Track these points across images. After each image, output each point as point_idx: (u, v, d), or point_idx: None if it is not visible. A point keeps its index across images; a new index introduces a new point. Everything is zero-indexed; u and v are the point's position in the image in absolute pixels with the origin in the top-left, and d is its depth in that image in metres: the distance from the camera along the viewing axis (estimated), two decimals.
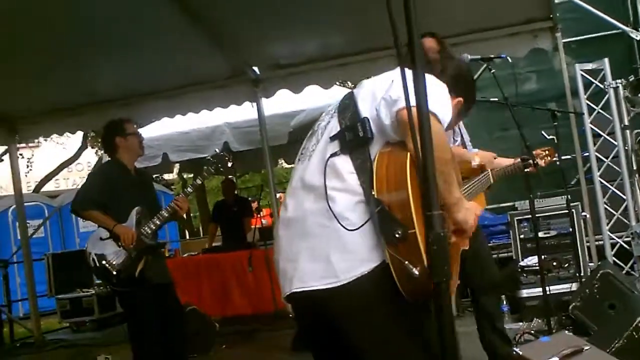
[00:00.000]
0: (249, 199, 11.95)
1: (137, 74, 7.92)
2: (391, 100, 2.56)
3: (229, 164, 5.60)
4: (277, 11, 6.78)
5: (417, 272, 2.47)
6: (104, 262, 5.12)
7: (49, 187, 22.38)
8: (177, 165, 12.64)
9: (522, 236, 7.25)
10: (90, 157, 22.72)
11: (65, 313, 10.62)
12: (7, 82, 7.80)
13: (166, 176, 20.84)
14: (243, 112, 8.94)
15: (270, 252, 8.35)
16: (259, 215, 9.48)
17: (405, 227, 2.51)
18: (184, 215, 8.37)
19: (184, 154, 9.71)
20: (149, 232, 5.24)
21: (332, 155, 2.68)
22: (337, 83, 9.25)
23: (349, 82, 10.56)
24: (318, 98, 8.74)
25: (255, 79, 8.13)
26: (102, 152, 21.16)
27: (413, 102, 2.39)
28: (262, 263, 8.43)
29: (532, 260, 6.84)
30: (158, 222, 5.30)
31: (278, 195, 9.21)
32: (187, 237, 18.43)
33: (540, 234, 6.89)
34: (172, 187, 24.20)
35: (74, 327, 10.74)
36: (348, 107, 2.75)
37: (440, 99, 2.64)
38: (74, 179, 21.82)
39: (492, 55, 5.13)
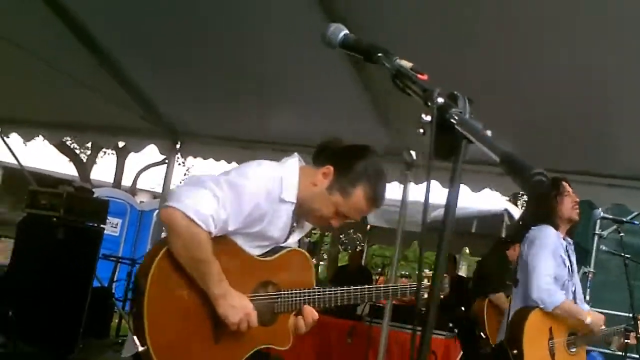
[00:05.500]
0: (373, 271, 12.11)
1: (303, 125, 8.24)
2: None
3: (358, 249, 5.74)
4: None
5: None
6: None
7: None
8: None
9: None
10: None
11: None
12: (190, 100, 8.35)
13: None
14: (388, 190, 9.05)
15: (374, 330, 8.45)
16: None
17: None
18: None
19: None
20: None
21: None
22: (490, 189, 9.26)
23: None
24: (465, 199, 8.82)
25: (410, 162, 8.24)
26: None
27: (171, 202, 2.72)
28: (364, 338, 8.52)
29: None
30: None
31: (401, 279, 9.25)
32: None
33: None
34: (314, 232, 24.73)
35: None
36: None
37: (191, 193, 2.80)
38: None
39: (625, 219, 5.18)
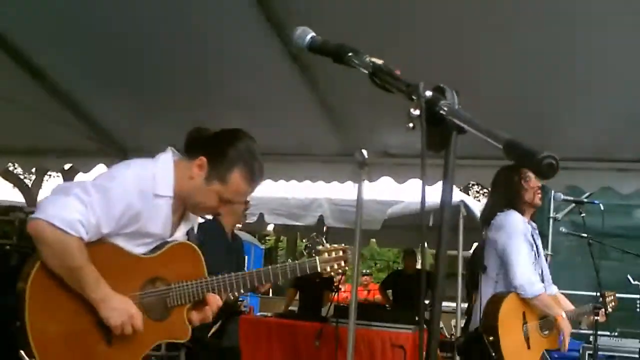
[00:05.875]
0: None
1: (253, 132, 8.16)
2: None
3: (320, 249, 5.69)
4: (397, 104, 6.94)
5: None
6: None
7: None
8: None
9: None
10: None
11: None
12: (136, 114, 8.21)
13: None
14: (343, 191, 9.11)
15: (341, 330, 8.43)
16: (336, 292, 9.64)
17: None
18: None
19: (279, 217, 9.99)
20: (232, 298, 5.35)
21: None
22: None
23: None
24: (419, 192, 8.90)
25: (362, 162, 8.23)
26: None
27: (36, 213, 2.73)
28: (331, 340, 8.50)
29: None
30: (242, 291, 5.40)
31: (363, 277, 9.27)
32: (270, 294, 18.68)
33: None
34: (267, 238, 24.56)
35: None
36: None
37: (56, 202, 2.79)
38: None
39: (586, 199, 5.26)
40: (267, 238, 24.74)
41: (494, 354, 4.38)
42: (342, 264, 3.32)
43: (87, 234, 2.79)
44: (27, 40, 7.00)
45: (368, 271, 16.76)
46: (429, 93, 1.55)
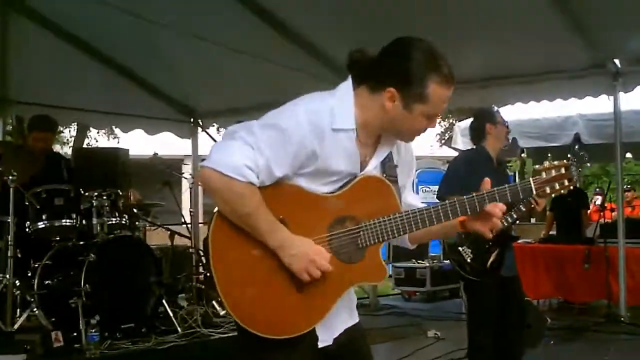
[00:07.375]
0: (585, 191, 11.71)
1: (496, 57, 7.96)
2: None
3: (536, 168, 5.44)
4: None
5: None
6: (460, 248, 5.24)
7: None
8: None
9: None
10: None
11: (399, 281, 11.27)
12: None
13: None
14: (597, 105, 8.72)
15: (610, 250, 8.12)
16: (602, 210, 9.31)
17: None
18: None
19: (533, 141, 9.70)
20: (506, 224, 5.22)
21: None
22: None
23: None
24: None
25: (616, 72, 7.84)
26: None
27: (204, 162, 2.59)
28: (601, 261, 8.22)
29: None
30: (515, 216, 5.25)
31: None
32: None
33: None
34: (510, 165, 23.96)
35: (405, 295, 11.38)
36: None
37: (221, 148, 2.61)
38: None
39: None
40: (509, 165, 24.14)
41: None
42: (565, 183, 2.89)
43: (257, 177, 2.59)
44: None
45: (630, 186, 15.90)
46: None
